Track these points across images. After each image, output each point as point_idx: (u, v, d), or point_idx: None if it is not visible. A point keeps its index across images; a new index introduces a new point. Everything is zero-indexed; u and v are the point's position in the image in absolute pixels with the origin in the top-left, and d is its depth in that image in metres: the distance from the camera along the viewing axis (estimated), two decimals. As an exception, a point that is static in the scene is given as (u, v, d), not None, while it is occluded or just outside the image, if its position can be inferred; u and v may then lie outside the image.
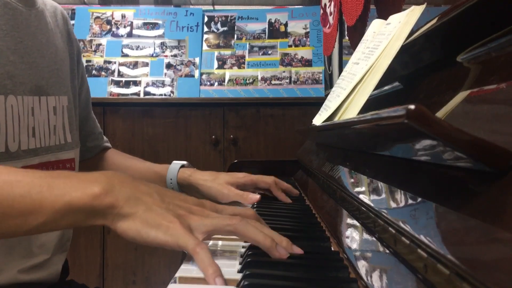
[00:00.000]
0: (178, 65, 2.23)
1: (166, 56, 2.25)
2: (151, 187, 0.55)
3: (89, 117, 1.02)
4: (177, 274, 0.48)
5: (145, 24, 2.30)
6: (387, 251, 0.41)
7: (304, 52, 2.21)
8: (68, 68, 0.89)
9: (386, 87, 0.74)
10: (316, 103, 1.13)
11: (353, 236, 0.54)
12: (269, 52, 2.23)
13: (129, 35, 2.29)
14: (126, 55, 2.25)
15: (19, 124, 0.72)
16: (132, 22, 2.31)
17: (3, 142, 0.69)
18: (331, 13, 1.69)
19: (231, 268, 0.50)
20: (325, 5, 1.78)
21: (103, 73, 2.22)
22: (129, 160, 1.04)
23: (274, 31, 2.27)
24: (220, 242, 0.60)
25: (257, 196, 0.84)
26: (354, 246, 0.52)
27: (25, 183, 0.50)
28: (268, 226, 0.57)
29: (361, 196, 0.53)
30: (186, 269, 0.49)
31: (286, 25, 2.27)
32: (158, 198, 0.53)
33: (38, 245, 0.78)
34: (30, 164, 0.74)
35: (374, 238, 0.46)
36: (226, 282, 0.46)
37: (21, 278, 0.74)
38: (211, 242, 0.60)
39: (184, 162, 0.96)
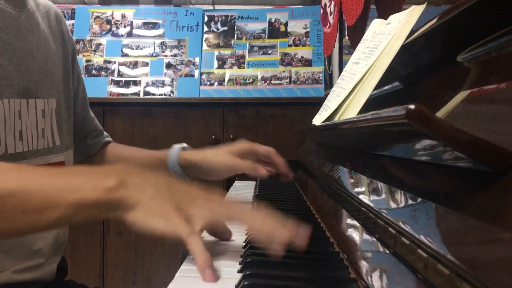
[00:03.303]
0: (178, 65, 2.23)
1: (166, 56, 2.25)
2: (158, 177, 0.54)
3: (88, 117, 1.02)
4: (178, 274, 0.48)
5: (145, 23, 2.30)
6: (387, 251, 0.41)
7: (304, 52, 2.21)
8: (60, 70, 0.88)
9: (386, 87, 0.74)
10: (316, 103, 1.13)
11: (353, 236, 0.54)
12: (269, 52, 2.23)
13: (129, 34, 2.29)
14: (126, 55, 2.25)
15: (5, 127, 0.71)
16: (132, 22, 2.31)
17: None
18: (331, 13, 1.69)
19: (231, 268, 0.50)
20: (325, 4, 1.78)
21: (103, 73, 2.22)
22: (128, 150, 1.04)
23: (274, 30, 2.27)
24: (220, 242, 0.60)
25: (264, 171, 0.81)
26: (354, 246, 0.52)
27: (39, 179, 0.50)
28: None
29: (361, 196, 0.53)
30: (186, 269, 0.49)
31: (286, 24, 2.27)
32: (163, 188, 0.52)
33: (34, 249, 0.77)
34: None
35: (374, 238, 0.46)
36: (216, 275, 0.46)
37: (16, 278, 0.74)
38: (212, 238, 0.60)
39: (184, 145, 0.95)
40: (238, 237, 0.62)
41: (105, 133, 1.06)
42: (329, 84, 2.10)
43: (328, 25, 1.75)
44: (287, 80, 2.17)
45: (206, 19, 2.30)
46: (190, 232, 0.48)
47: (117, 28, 2.30)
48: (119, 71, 2.22)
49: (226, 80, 2.19)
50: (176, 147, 0.94)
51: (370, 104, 0.63)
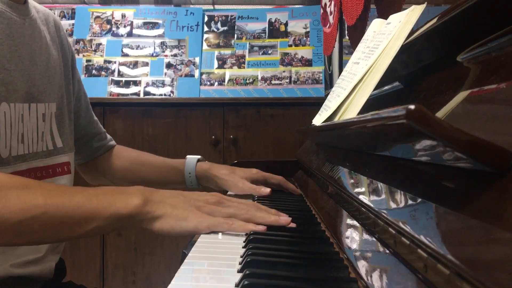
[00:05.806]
0: (178, 64, 2.23)
1: (166, 55, 2.25)
2: (172, 192, 0.67)
3: (92, 120, 1.05)
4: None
5: (145, 23, 2.30)
6: (387, 251, 0.41)
7: (304, 52, 2.21)
8: (61, 76, 0.91)
9: (386, 87, 0.74)
10: (316, 103, 1.13)
11: (353, 237, 0.54)
12: (269, 51, 2.23)
13: (129, 34, 2.29)
14: (126, 55, 2.25)
15: (10, 130, 0.73)
16: (132, 22, 2.31)
17: None
18: (331, 13, 1.69)
19: (231, 268, 0.50)
20: (325, 4, 1.78)
21: (103, 72, 2.22)
22: (144, 156, 1.09)
23: (274, 30, 2.27)
24: (219, 238, 0.60)
25: (267, 190, 0.94)
26: (354, 246, 0.52)
27: (79, 196, 0.62)
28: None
29: (361, 197, 0.53)
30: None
31: (286, 24, 2.27)
32: (180, 198, 0.66)
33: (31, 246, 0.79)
34: (18, 170, 0.75)
35: (374, 238, 0.46)
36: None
37: (14, 271, 0.76)
38: (211, 241, 0.60)
39: (199, 156, 1.04)
40: (238, 237, 0.62)
41: (108, 136, 1.10)
42: (329, 84, 2.10)
43: (328, 25, 1.75)
44: (287, 80, 2.17)
45: (206, 19, 2.30)
46: (223, 219, 0.63)
47: (117, 28, 2.30)
48: (119, 71, 2.22)
49: (226, 80, 2.19)
50: (192, 157, 1.03)
51: (370, 104, 0.64)
